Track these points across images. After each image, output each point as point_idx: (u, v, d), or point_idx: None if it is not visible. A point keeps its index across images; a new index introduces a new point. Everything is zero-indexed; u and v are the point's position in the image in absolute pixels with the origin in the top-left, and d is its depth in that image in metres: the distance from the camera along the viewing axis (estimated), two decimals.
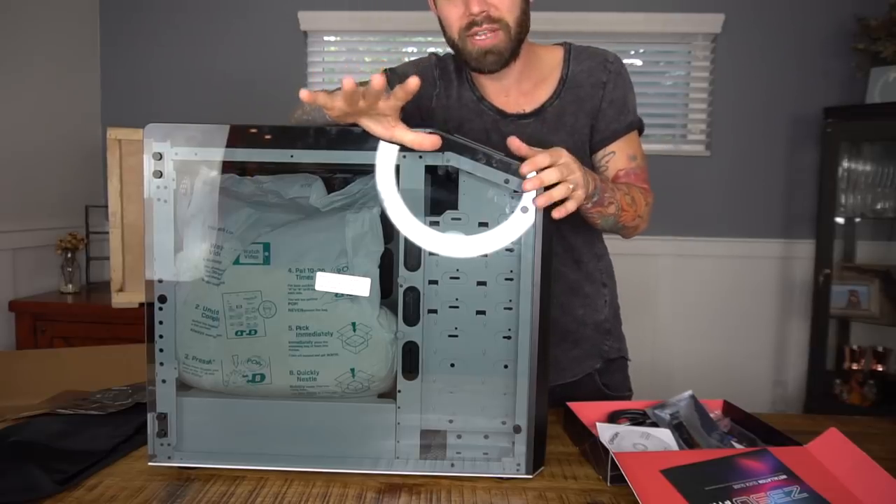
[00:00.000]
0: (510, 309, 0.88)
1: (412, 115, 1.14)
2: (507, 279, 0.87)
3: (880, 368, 2.56)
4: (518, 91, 1.16)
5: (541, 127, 1.15)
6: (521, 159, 0.86)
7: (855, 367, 2.55)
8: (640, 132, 1.19)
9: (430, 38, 2.83)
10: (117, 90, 2.78)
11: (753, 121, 2.71)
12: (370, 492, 0.85)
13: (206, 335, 0.89)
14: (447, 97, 1.19)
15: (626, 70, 1.16)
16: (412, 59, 1.30)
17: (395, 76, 1.21)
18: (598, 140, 1.16)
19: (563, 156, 0.88)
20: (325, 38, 2.82)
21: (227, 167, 0.91)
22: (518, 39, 1.08)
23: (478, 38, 1.06)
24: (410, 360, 0.88)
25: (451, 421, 0.89)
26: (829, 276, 2.52)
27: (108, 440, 0.95)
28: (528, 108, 1.16)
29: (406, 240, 0.87)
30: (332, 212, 0.92)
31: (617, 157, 1.15)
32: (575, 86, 1.15)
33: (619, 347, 1.28)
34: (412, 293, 0.87)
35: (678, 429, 1.00)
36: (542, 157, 0.85)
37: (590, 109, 1.15)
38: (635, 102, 1.18)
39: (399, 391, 0.89)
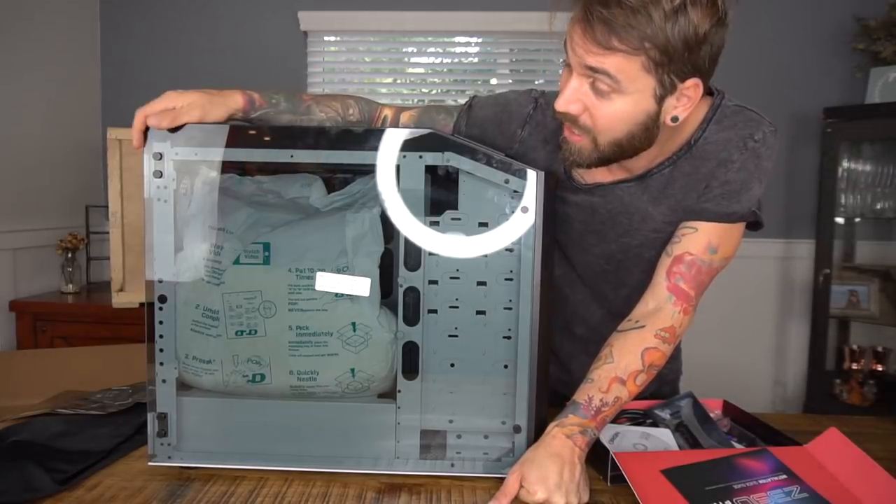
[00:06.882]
0: (510, 309, 0.88)
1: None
2: (507, 279, 0.87)
3: (880, 368, 2.56)
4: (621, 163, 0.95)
5: (641, 194, 0.97)
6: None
7: (855, 367, 2.55)
8: (754, 227, 0.99)
9: (430, 38, 2.83)
10: (117, 90, 2.78)
11: None
12: (370, 492, 0.85)
13: (206, 335, 0.89)
14: (530, 160, 1.00)
15: (769, 153, 0.93)
16: (507, 90, 1.08)
17: (473, 109, 1.08)
18: (689, 211, 0.96)
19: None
20: (325, 38, 2.82)
21: (227, 167, 0.92)
22: (607, 159, 0.90)
23: (566, 130, 0.90)
24: (410, 360, 0.88)
25: (451, 421, 0.89)
26: (829, 276, 2.52)
27: (109, 440, 0.95)
28: (632, 174, 0.97)
29: (406, 240, 0.87)
30: (332, 212, 0.92)
31: (696, 237, 0.94)
32: (699, 157, 0.93)
33: (677, 368, 1.23)
34: (412, 293, 0.87)
35: (679, 429, 1.00)
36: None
37: (703, 186, 0.94)
38: (759, 194, 0.95)
39: (399, 391, 0.89)
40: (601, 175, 1.00)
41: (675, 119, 0.87)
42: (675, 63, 0.81)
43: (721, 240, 0.95)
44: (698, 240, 0.94)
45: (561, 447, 0.83)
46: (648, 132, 0.87)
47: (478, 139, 1.03)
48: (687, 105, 0.86)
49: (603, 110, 0.85)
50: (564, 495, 0.79)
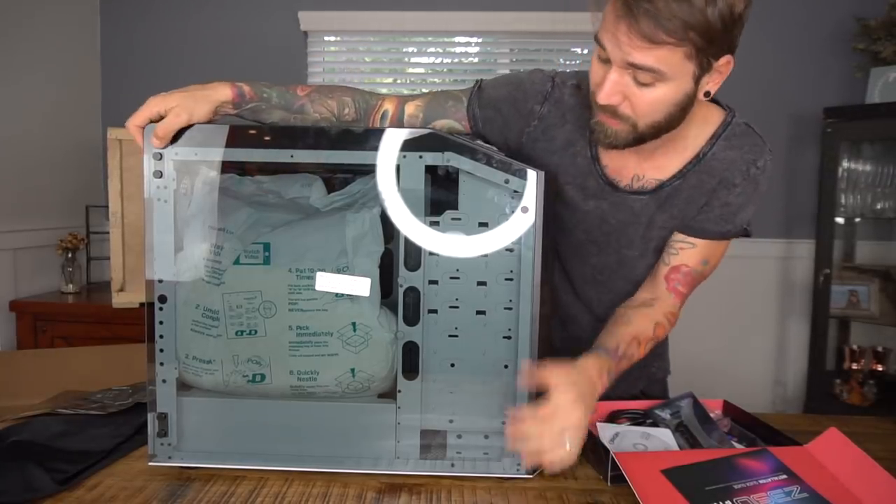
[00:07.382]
0: (510, 309, 0.88)
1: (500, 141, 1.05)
2: (507, 279, 0.87)
3: (880, 368, 2.55)
4: (639, 158, 0.99)
5: (650, 203, 1.02)
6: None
7: (855, 367, 2.55)
8: (744, 235, 1.06)
9: (430, 38, 2.83)
10: (117, 90, 2.78)
11: (753, 121, 2.69)
12: (370, 492, 0.85)
13: (206, 335, 0.89)
14: (549, 138, 1.02)
15: (766, 180, 1.00)
16: (514, 70, 1.10)
17: (485, 90, 1.05)
18: (686, 225, 1.02)
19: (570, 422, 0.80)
20: (326, 38, 2.82)
21: (227, 167, 0.92)
22: (643, 140, 0.92)
23: (600, 116, 0.91)
24: (410, 360, 0.88)
25: (451, 421, 0.89)
26: (829, 276, 2.51)
27: (109, 440, 0.95)
28: (647, 185, 1.01)
29: (406, 240, 0.87)
30: (332, 212, 0.92)
31: (693, 252, 1.02)
32: (706, 171, 0.99)
33: (665, 367, 1.25)
34: (412, 293, 0.87)
35: (679, 429, 1.00)
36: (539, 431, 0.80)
37: (704, 202, 1.00)
38: (751, 215, 1.03)
39: (399, 391, 0.89)
40: (619, 171, 1.01)
41: (707, 94, 0.90)
42: (714, 46, 0.83)
43: (713, 253, 1.04)
44: (694, 254, 1.03)
45: (592, 390, 0.85)
46: (684, 111, 0.91)
47: (492, 120, 1.03)
48: (718, 80, 0.90)
49: (645, 97, 0.86)
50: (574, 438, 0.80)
